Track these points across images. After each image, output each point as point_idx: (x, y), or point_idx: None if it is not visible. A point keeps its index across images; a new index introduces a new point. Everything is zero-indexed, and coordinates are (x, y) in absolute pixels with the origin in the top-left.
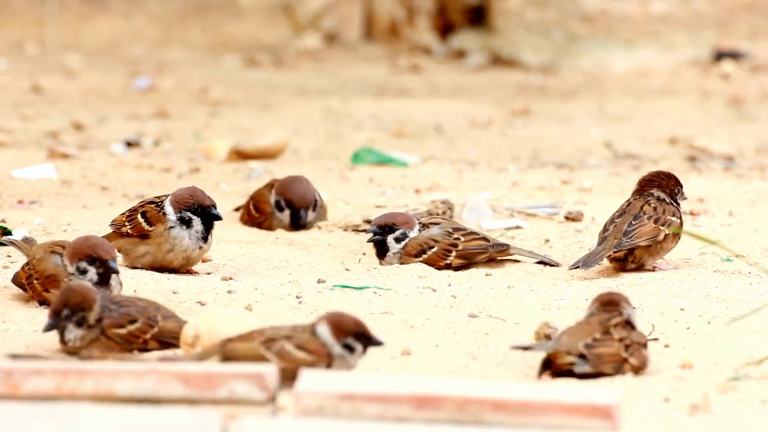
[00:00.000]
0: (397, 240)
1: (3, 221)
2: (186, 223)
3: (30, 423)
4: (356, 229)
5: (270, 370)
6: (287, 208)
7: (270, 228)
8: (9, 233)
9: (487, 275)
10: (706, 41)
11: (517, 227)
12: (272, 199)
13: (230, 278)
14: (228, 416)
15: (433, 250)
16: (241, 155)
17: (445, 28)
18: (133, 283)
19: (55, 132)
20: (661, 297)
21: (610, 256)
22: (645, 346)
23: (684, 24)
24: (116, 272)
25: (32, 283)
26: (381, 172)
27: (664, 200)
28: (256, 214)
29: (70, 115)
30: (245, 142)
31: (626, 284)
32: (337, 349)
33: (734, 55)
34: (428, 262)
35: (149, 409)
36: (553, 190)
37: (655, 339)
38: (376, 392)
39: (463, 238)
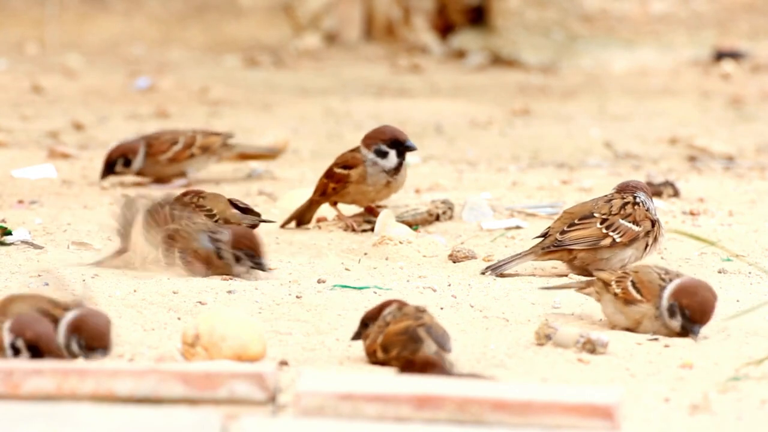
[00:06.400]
0: None
1: (3, 221)
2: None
3: (30, 423)
4: (356, 229)
5: (270, 370)
6: (392, 148)
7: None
8: (9, 233)
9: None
10: (706, 41)
11: (517, 227)
12: (367, 153)
13: (230, 278)
14: (228, 416)
15: None
16: (241, 155)
17: (445, 28)
18: (134, 283)
19: (55, 132)
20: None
21: None
22: None
23: (684, 24)
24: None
25: None
26: None
27: None
28: (344, 172)
29: (70, 115)
30: (245, 142)
31: None
32: None
33: (734, 55)
34: None
35: (149, 409)
36: (553, 190)
37: (656, 339)
38: (376, 392)
39: None
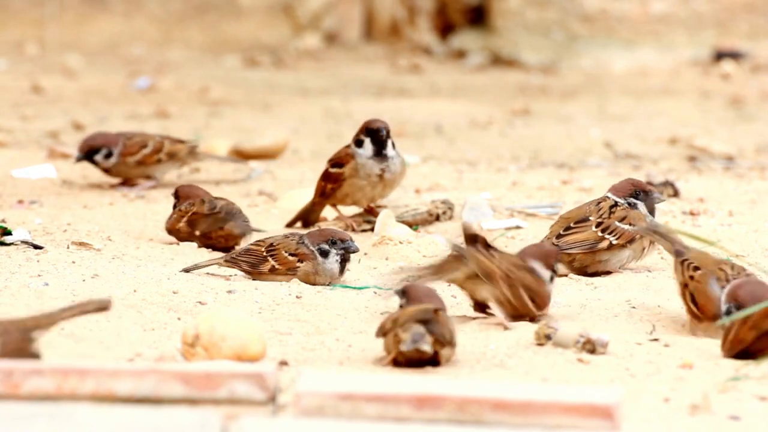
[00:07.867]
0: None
1: (3, 221)
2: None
3: (30, 423)
4: (355, 229)
5: (270, 370)
6: (367, 136)
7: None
8: (9, 233)
9: None
10: (706, 41)
11: (517, 227)
12: (354, 147)
13: (230, 278)
14: (228, 416)
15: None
16: (241, 155)
17: (445, 28)
18: (133, 283)
19: (55, 132)
20: (661, 296)
21: None
22: None
23: (684, 24)
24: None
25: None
26: None
27: None
28: (339, 171)
29: (70, 115)
30: (245, 142)
31: (626, 283)
32: None
33: (734, 55)
34: None
35: (149, 409)
36: (553, 190)
37: (656, 339)
38: (376, 392)
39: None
